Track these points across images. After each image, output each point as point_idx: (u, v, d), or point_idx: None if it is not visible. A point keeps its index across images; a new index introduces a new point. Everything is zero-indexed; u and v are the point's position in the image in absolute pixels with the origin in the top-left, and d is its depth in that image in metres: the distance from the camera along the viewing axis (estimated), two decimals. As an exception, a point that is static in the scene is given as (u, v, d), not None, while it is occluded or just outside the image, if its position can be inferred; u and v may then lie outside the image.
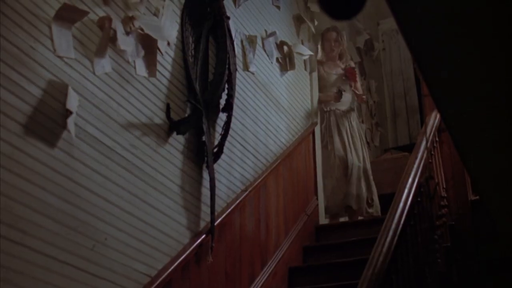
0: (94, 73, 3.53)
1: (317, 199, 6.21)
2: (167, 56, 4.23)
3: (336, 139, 6.50)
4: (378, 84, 8.80)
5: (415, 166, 4.47)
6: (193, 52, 4.48)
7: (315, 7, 6.81)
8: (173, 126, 4.10)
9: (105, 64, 3.62)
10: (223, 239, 4.50)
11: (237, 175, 4.87)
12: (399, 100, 9.07)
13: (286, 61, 6.04)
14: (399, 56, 9.27)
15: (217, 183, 4.52)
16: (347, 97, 6.70)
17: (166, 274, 3.78)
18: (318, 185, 6.27)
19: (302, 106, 6.34)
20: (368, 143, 7.92)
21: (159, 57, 4.14)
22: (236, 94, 5.02)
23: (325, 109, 6.68)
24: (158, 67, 4.12)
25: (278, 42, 5.92)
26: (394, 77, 9.24)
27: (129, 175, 3.67)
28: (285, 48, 6.06)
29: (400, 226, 3.66)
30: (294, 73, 6.22)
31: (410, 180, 4.21)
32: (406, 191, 4.07)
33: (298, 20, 6.53)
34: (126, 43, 3.76)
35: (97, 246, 3.33)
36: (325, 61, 6.89)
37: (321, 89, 6.74)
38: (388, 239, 3.50)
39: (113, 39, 3.69)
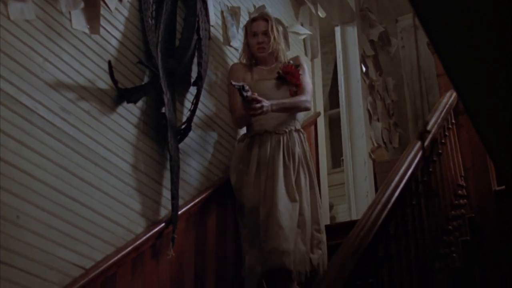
0: (9, 18, 2.88)
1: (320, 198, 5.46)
2: (118, 14, 3.57)
3: (251, 179, 3.98)
4: (397, 82, 8.07)
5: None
6: (154, 14, 3.81)
7: (317, -11, 6.14)
8: (122, 93, 3.43)
9: (25, 10, 2.97)
10: (193, 232, 3.79)
11: (214, 161, 4.16)
12: (421, 101, 8.32)
13: (281, 42, 5.33)
14: (420, 54, 8.52)
15: (186, 167, 3.84)
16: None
17: (106, 266, 3.08)
18: (321, 183, 5.53)
19: (301, 93, 5.62)
20: (385, 143, 7.17)
21: (108, 15, 3.49)
22: (216, 71, 4.36)
23: (251, 132, 4.19)
24: (107, 25, 3.47)
25: (270, 20, 5.22)
26: (415, 76, 8.49)
27: (56, 143, 2.99)
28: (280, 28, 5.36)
29: (394, 198, 2.92)
30: (291, 57, 5.50)
31: (413, 153, 3.46)
32: (406, 164, 3.32)
33: (297, 1, 5.84)
34: (54, -13, 3.11)
35: (4, 225, 2.64)
36: (250, 64, 4.42)
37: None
38: (375, 212, 2.76)
39: (39, -17, 3.05)
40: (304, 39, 5.87)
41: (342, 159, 6.79)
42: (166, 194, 3.63)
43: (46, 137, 2.94)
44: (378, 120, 7.15)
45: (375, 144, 6.78)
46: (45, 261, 2.80)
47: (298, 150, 4.09)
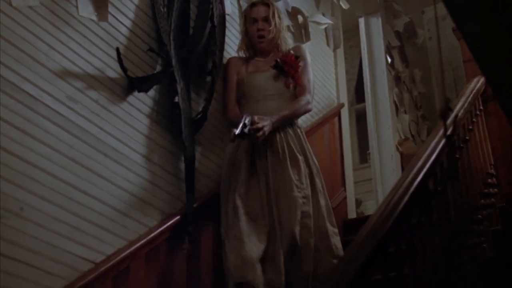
0: (11, 4, 2.77)
1: (345, 190, 5.32)
2: (127, 1, 3.45)
3: (242, 174, 3.61)
4: (425, 74, 7.87)
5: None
6: (166, 1, 3.69)
7: (339, -22, 5.99)
8: (133, 82, 3.31)
9: (29, -4, 2.86)
10: (211, 226, 3.66)
11: (232, 153, 4.02)
12: (449, 91, 8.10)
13: (301, 32, 5.20)
14: (447, 45, 8.31)
15: (202, 159, 3.71)
16: (276, 103, 3.80)
17: (117, 259, 2.96)
18: (346, 176, 5.38)
19: (324, 84, 5.48)
20: (413, 136, 6.99)
21: (116, 2, 3.37)
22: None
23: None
24: (116, 13, 3.35)
25: (289, 9, 5.09)
26: (443, 67, 8.28)
27: (62, 133, 2.88)
28: (300, 18, 5.22)
29: (416, 182, 2.76)
30: (312, 47, 5.36)
31: (437, 137, 3.30)
32: (429, 149, 3.16)
33: (318, -10, 5.69)
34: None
35: (7, 216, 2.53)
36: (249, 55, 4.05)
37: (242, 99, 3.90)
38: (396, 197, 2.60)
39: (42, -32, 2.94)
40: (326, 30, 5.72)
41: (369, 153, 6.62)
42: (181, 186, 3.51)
43: (51, 127, 2.82)
44: (405, 112, 6.98)
45: (403, 137, 6.61)
46: (51, 254, 2.68)
47: (294, 146, 3.71)
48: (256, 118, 3.50)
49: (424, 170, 2.92)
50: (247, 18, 3.99)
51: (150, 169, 3.34)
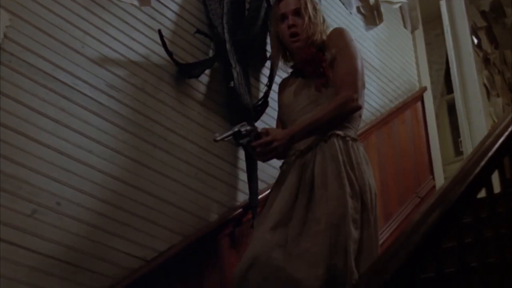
0: (40, -10, 2.60)
1: (433, 179, 4.92)
2: (173, -15, 3.25)
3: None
4: (516, 55, 7.36)
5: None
6: (215, -17, 3.46)
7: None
8: (183, 68, 3.09)
9: (58, -20, 2.69)
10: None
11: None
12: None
13: (373, 13, 4.87)
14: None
15: (266, 148, 3.43)
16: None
17: (171, 256, 2.72)
18: (434, 163, 4.99)
19: (403, 67, 5.12)
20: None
21: (160, -15, 3.17)
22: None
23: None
24: (160, -3, 3.15)
25: (359, -11, 4.80)
26: (538, 47, 7.73)
27: (104, 123, 2.68)
28: (371, -2, 4.91)
29: (497, 144, 2.40)
30: (387, 30, 5.03)
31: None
32: (514, 112, 2.78)
33: (390, -29, 5.36)
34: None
35: (40, 212, 2.34)
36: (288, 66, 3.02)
37: (283, 125, 2.90)
38: (472, 161, 2.25)
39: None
40: (401, 11, 5.37)
41: (460, 140, 6.17)
42: (244, 177, 3.25)
43: (90, 116, 2.63)
44: (497, 95, 6.49)
45: (496, 121, 6.14)
46: (94, 252, 2.48)
47: (323, 172, 2.59)
48: (266, 130, 2.68)
49: (506, 133, 2.55)
50: (274, 17, 3.00)
51: (206, 160, 3.10)
